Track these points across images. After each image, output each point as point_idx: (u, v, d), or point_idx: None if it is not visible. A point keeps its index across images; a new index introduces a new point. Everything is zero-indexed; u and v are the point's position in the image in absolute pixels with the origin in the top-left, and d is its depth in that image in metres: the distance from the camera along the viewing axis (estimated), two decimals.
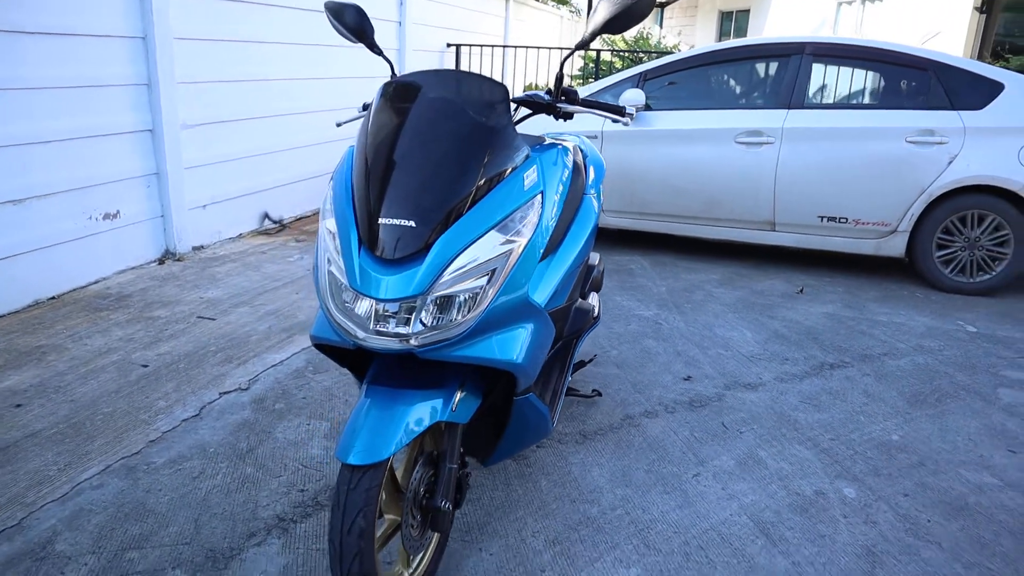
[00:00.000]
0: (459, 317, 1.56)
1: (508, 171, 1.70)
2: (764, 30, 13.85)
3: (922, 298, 4.35)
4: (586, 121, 4.91)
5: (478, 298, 1.57)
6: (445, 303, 1.56)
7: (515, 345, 1.68)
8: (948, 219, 4.33)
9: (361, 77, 6.42)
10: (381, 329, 1.55)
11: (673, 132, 4.77)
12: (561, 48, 8.73)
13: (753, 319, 3.90)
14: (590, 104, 2.04)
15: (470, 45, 8.30)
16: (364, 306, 1.56)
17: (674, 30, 17.37)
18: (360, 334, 1.57)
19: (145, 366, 3.06)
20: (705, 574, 1.98)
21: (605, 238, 5.48)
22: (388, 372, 1.68)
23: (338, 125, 2.24)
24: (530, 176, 1.72)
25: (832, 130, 4.46)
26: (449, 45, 8.18)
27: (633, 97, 4.77)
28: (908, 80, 4.45)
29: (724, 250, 5.34)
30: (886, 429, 2.78)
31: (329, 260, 1.63)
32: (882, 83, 4.58)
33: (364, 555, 1.49)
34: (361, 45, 7.04)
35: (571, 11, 14.58)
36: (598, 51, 8.23)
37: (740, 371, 3.25)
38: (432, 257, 1.54)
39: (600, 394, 2.92)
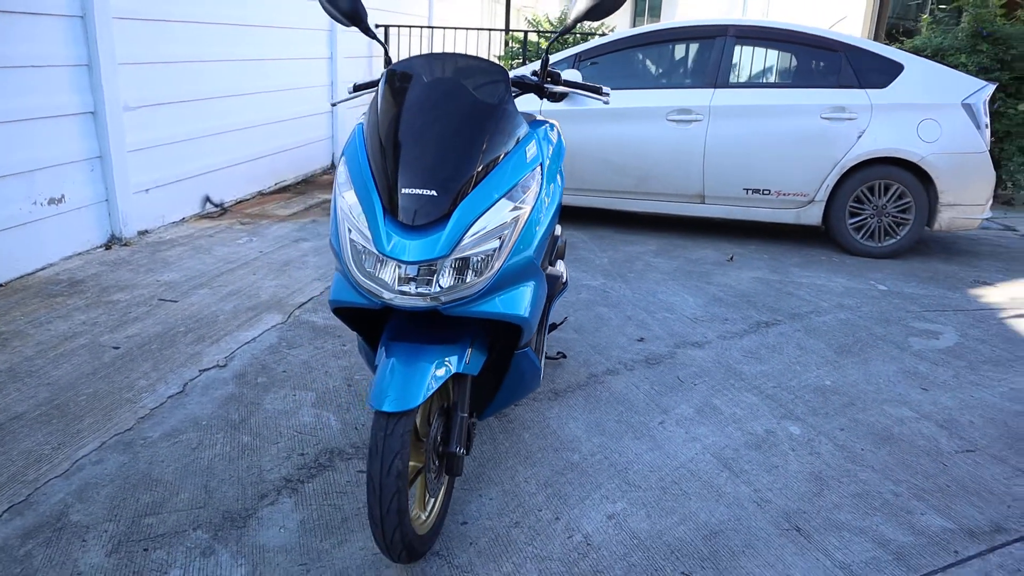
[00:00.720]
0: (475, 277, 1.73)
1: (512, 145, 1.87)
2: (677, 13, 14.33)
3: (838, 262, 4.78)
4: (527, 101, 5.09)
5: (491, 260, 1.75)
6: (462, 265, 1.72)
7: (522, 301, 1.86)
8: (858, 189, 4.76)
9: (303, 58, 6.39)
10: (404, 290, 1.71)
11: (608, 111, 5.02)
12: (490, 30, 8.83)
13: (692, 285, 4.21)
14: (573, 84, 2.23)
15: (399, 26, 8.30)
16: (389, 269, 1.71)
17: None
18: (386, 295, 1.72)
19: (116, 348, 3.07)
20: (682, 503, 2.23)
21: None
22: (405, 331, 1.83)
23: (333, 104, 2.35)
24: (531, 150, 1.90)
25: (755, 107, 4.81)
26: (377, 26, 8.17)
27: (571, 77, 4.98)
28: (822, 61, 4.85)
29: (658, 223, 5.66)
30: (819, 376, 3.12)
31: (350, 229, 1.77)
32: (799, 64, 4.96)
33: (400, 494, 1.65)
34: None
35: None
36: (525, 32, 8.38)
37: (686, 332, 3.54)
38: (453, 223, 1.71)
39: (565, 356, 3.14)
